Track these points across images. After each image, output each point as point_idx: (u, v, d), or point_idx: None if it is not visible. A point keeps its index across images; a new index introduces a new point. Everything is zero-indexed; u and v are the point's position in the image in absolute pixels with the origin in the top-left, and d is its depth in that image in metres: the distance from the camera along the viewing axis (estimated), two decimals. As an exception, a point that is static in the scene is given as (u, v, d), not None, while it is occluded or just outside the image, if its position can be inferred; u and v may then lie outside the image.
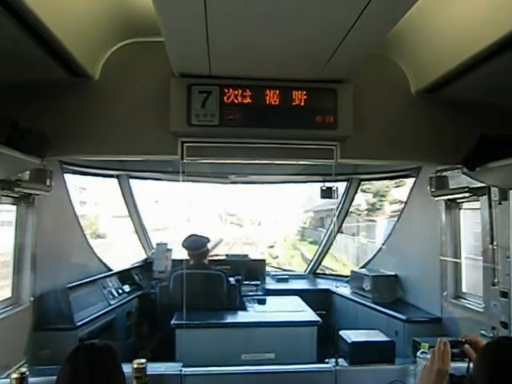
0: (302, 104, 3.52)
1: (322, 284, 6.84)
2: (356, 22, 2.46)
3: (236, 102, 3.48)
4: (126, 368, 2.55)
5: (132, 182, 6.56)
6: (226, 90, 3.48)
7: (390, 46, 3.50)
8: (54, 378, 2.82)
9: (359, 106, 3.61)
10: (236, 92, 3.48)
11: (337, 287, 6.40)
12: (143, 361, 2.85)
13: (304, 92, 3.51)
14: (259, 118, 3.50)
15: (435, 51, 3.24)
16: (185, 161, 3.66)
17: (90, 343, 2.43)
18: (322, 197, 4.44)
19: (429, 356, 2.74)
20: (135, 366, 2.80)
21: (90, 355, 2.32)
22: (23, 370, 2.62)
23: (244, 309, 5.11)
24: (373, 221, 21.10)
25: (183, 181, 4.29)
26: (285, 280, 6.93)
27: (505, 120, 3.48)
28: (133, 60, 3.57)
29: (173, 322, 4.52)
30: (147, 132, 3.58)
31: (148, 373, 2.86)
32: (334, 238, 7.14)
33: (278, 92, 3.50)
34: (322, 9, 2.37)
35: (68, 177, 4.82)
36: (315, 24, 2.54)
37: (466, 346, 2.51)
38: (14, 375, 2.58)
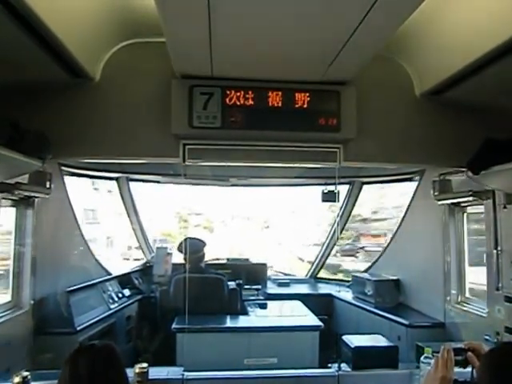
0: (305, 106, 3.49)
1: (324, 288, 6.81)
2: (360, 24, 2.44)
3: (238, 103, 3.46)
4: (127, 372, 2.52)
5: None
6: (228, 92, 3.45)
7: (394, 47, 3.47)
8: (56, 382, 2.81)
9: (363, 108, 3.58)
10: (238, 94, 3.45)
11: (338, 292, 6.36)
12: (145, 365, 2.82)
13: (307, 94, 3.48)
14: (262, 120, 3.47)
15: (440, 53, 3.22)
16: (186, 163, 3.63)
17: (89, 344, 2.40)
18: (324, 200, 4.41)
19: (432, 361, 2.72)
20: (137, 370, 2.78)
21: (91, 356, 2.29)
22: (25, 373, 2.60)
23: (245, 313, 5.09)
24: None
25: (183, 183, 4.26)
26: (286, 284, 6.90)
27: (510, 123, 3.45)
28: (134, 61, 3.54)
29: (174, 325, 4.50)
30: (148, 134, 3.55)
31: (149, 377, 2.84)
32: (336, 242, 7.10)
33: (280, 94, 3.47)
34: (325, 10, 2.35)
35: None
36: (318, 25, 2.52)
37: (469, 353, 2.49)
38: (16, 379, 2.56)
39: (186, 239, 5.61)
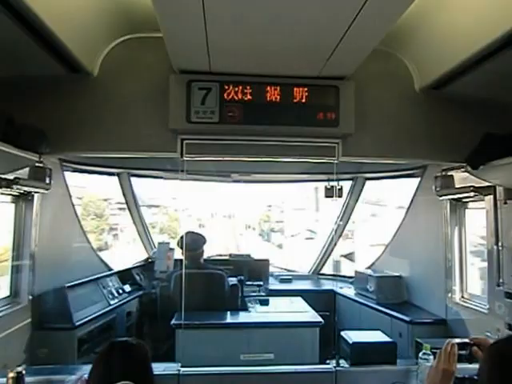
0: (304, 101, 3.48)
1: (326, 285, 6.78)
2: (356, 18, 2.43)
3: (236, 98, 3.45)
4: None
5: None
6: (226, 87, 3.44)
7: (393, 41, 3.45)
8: (51, 377, 2.83)
9: (362, 102, 3.57)
10: (236, 89, 3.45)
11: (341, 288, 6.34)
12: None
13: (305, 89, 3.47)
14: (260, 115, 3.47)
15: (439, 47, 3.20)
16: (184, 158, 3.62)
17: (123, 340, 2.41)
18: (327, 196, 4.41)
19: (431, 357, 2.71)
20: (131, 365, 2.77)
21: (125, 353, 2.31)
22: (19, 369, 2.60)
23: (246, 309, 5.07)
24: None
25: (184, 179, 4.25)
26: (288, 280, 6.88)
27: (510, 117, 3.42)
28: (132, 56, 3.54)
29: (173, 322, 4.49)
30: (146, 129, 3.55)
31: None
32: (339, 238, 7.07)
33: (278, 89, 3.46)
34: (321, 4, 2.33)
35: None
36: (315, 20, 2.51)
37: (475, 347, 2.46)
38: (11, 374, 2.56)
39: (185, 234, 5.58)
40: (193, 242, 5.41)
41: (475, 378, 2.45)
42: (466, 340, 2.52)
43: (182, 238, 5.47)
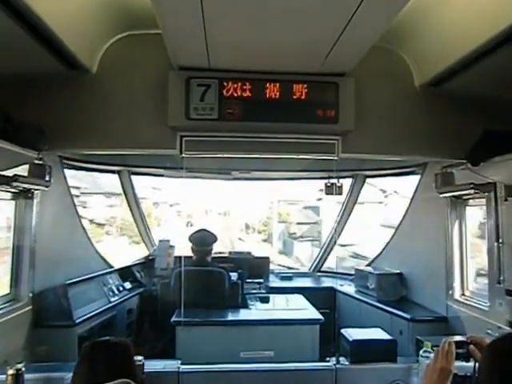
0: (303, 97, 3.47)
1: (326, 282, 6.78)
2: (354, 15, 2.43)
3: (236, 95, 3.44)
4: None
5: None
6: (226, 83, 3.44)
7: (393, 38, 3.44)
8: (50, 374, 2.83)
9: (361, 99, 3.56)
10: (235, 85, 3.44)
11: (341, 285, 6.33)
12: (140, 358, 2.81)
13: (305, 85, 3.46)
14: (259, 112, 3.46)
15: (440, 44, 3.18)
16: (184, 155, 3.62)
17: (106, 339, 2.42)
18: (327, 193, 4.40)
19: (431, 355, 2.70)
20: (132, 362, 2.77)
21: (108, 351, 2.31)
22: (19, 366, 2.60)
23: (246, 307, 5.07)
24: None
25: (184, 177, 4.25)
26: (289, 278, 6.88)
27: (510, 114, 3.40)
28: (131, 53, 3.53)
29: (173, 319, 4.49)
30: (145, 126, 3.55)
31: (146, 370, 2.84)
32: (339, 236, 7.07)
33: (278, 85, 3.46)
34: (318, 1, 2.32)
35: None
36: (313, 16, 2.50)
37: (472, 346, 2.45)
38: (10, 371, 2.57)
39: (198, 231, 5.57)
40: (204, 239, 5.42)
41: (472, 375, 2.45)
42: (464, 338, 2.51)
43: (193, 233, 5.47)
